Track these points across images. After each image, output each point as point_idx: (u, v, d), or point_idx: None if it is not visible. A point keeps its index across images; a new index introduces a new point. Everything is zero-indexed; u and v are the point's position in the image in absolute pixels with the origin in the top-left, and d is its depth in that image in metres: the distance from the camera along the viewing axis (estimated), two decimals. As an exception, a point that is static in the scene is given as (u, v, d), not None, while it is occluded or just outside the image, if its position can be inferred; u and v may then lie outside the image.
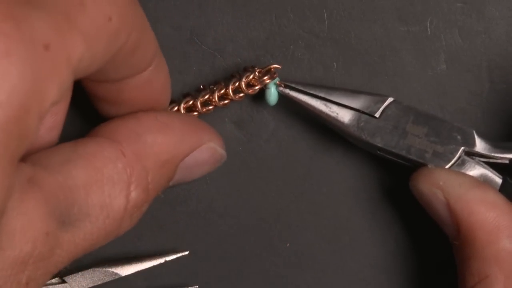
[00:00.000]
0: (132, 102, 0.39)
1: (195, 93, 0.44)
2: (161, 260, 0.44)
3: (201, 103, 0.43)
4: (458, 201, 0.41)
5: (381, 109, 0.42)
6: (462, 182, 0.41)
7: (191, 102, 0.43)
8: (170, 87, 0.41)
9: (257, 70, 0.43)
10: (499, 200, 0.41)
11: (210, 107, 0.43)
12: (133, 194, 0.36)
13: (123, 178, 0.36)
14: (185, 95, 0.44)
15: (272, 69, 0.43)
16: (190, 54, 0.44)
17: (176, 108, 0.43)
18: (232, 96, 0.43)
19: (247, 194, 0.45)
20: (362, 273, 0.46)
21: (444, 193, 0.41)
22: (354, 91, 0.42)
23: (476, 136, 0.42)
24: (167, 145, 0.38)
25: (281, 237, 0.45)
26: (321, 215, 0.46)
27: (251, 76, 0.43)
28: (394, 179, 0.45)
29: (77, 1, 0.32)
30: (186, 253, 0.45)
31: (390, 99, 0.42)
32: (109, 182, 0.35)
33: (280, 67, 0.43)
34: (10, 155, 0.29)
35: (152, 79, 0.39)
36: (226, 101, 0.43)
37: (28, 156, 0.35)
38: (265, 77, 0.43)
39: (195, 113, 0.43)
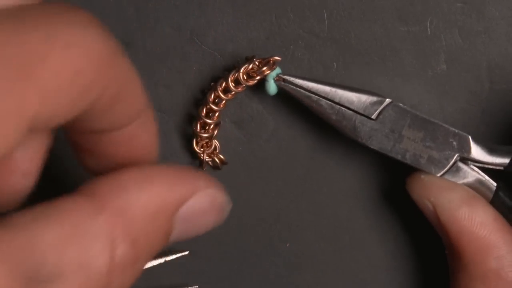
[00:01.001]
0: (115, 155, 0.37)
1: (202, 97, 0.44)
2: (161, 260, 0.45)
3: (213, 103, 0.43)
4: (448, 217, 0.41)
5: (378, 111, 0.42)
6: (452, 199, 0.41)
7: (206, 108, 0.44)
8: (157, 145, 0.38)
9: (257, 61, 0.43)
10: (489, 218, 0.41)
11: (223, 102, 0.44)
12: (119, 251, 0.33)
13: (104, 233, 0.33)
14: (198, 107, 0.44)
15: (271, 61, 0.43)
16: (190, 54, 0.44)
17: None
18: (233, 88, 0.43)
19: (247, 194, 0.45)
20: (362, 273, 0.46)
21: (435, 207, 0.41)
22: (352, 89, 0.42)
23: (471, 142, 0.42)
24: (155, 196, 0.35)
25: (281, 237, 0.46)
26: (321, 215, 0.45)
27: (250, 66, 0.43)
28: (394, 179, 0.45)
29: (39, 53, 0.29)
30: (186, 253, 0.45)
31: (387, 101, 0.42)
32: (87, 238, 0.32)
33: (280, 59, 0.43)
34: None
35: (136, 135, 0.36)
36: (233, 92, 0.43)
37: None
38: (264, 68, 0.43)
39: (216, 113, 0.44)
